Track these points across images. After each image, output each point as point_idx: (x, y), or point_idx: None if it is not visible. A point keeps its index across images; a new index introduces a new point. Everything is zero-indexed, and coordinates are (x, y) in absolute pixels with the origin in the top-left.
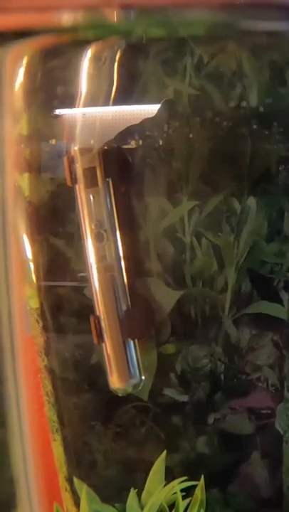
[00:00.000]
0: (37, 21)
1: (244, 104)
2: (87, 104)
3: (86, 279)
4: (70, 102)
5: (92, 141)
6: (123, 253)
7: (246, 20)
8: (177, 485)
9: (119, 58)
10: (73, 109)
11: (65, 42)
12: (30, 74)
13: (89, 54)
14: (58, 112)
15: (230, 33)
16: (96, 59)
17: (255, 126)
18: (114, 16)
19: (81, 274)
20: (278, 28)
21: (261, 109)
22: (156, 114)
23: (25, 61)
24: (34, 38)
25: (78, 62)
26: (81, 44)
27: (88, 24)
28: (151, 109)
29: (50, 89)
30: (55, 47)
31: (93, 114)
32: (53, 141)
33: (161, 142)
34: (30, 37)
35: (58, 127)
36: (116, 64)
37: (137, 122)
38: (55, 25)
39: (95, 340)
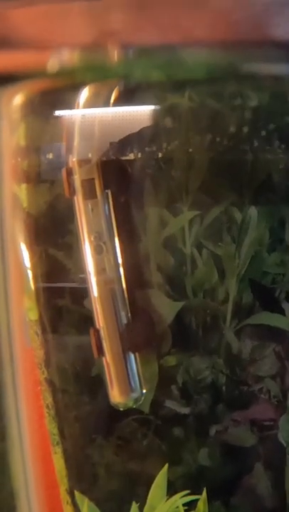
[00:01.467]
0: (34, 62)
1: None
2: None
3: (86, 281)
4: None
5: (89, 155)
6: (123, 265)
7: (248, 61)
8: (179, 499)
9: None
10: (72, 116)
11: (63, 86)
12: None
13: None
14: (56, 119)
15: (231, 76)
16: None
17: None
18: (113, 55)
19: (81, 276)
20: (280, 71)
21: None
22: (155, 123)
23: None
24: (30, 81)
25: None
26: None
27: (86, 66)
28: (151, 116)
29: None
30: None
31: (92, 122)
32: (51, 154)
33: (160, 152)
34: (26, 79)
35: (56, 137)
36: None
37: (137, 129)
38: (53, 68)
39: (95, 353)
